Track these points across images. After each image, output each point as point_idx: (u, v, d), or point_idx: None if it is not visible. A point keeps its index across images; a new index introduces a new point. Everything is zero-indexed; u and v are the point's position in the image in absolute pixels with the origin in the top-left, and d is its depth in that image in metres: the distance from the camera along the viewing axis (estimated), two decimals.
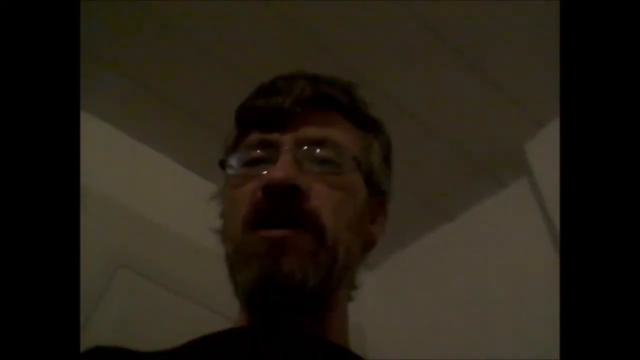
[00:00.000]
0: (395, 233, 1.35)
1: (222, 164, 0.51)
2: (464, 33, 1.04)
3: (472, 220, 1.31)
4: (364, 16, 1.02)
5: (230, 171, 0.50)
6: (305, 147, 0.48)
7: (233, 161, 0.50)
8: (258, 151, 0.49)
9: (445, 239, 1.35)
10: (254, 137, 0.50)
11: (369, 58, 1.07)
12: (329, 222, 0.45)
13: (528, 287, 1.06)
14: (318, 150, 0.48)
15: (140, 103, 1.21)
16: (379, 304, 1.35)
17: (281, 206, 0.44)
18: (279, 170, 0.45)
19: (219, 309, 0.91)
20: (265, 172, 0.46)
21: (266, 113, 0.50)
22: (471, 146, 1.22)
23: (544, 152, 1.14)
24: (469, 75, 1.10)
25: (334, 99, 0.51)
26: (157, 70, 1.15)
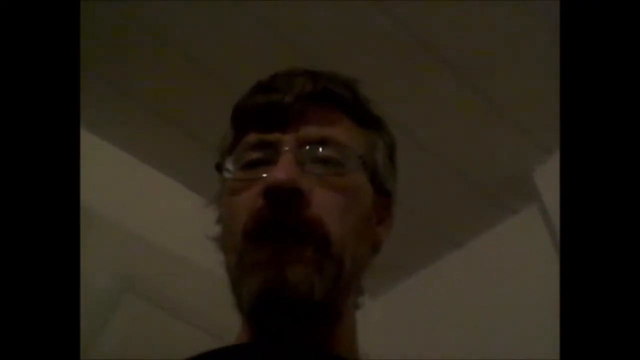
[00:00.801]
0: (403, 260, 1.33)
1: (219, 168, 0.48)
2: (472, 61, 1.05)
3: (482, 247, 1.30)
4: (370, 44, 1.03)
5: (227, 175, 0.47)
6: (307, 147, 0.45)
7: (230, 164, 0.47)
8: (257, 152, 0.46)
9: (453, 266, 1.34)
10: (252, 137, 0.47)
11: (377, 89, 1.07)
12: (334, 230, 0.42)
13: (538, 315, 1.04)
14: (320, 150, 0.46)
15: (144, 124, 1.22)
16: (385, 332, 1.33)
17: (283, 213, 0.41)
18: (280, 172, 0.42)
19: (224, 334, 0.90)
20: (265, 175, 0.43)
21: (265, 111, 0.47)
22: (480, 173, 1.21)
23: (553, 178, 1.14)
24: (477, 103, 1.10)
25: (336, 96, 0.49)
26: (156, 88, 1.16)
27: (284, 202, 0.41)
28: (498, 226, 1.28)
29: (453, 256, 1.35)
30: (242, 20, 1.03)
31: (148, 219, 1.17)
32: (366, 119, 0.51)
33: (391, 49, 1.04)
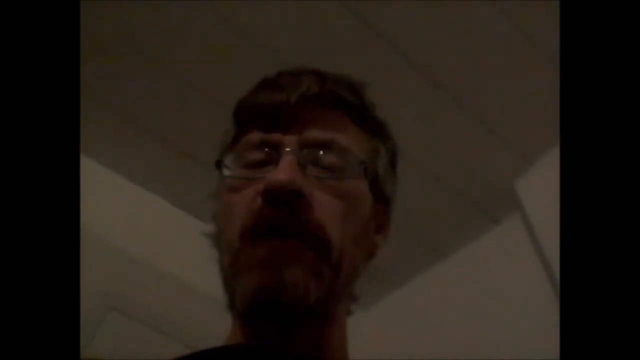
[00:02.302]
0: (390, 272, 1.34)
1: (218, 165, 0.46)
2: (453, 73, 1.07)
3: (467, 258, 1.31)
4: (354, 59, 1.05)
5: (227, 172, 0.46)
6: (310, 150, 0.44)
7: (230, 161, 0.46)
8: (258, 152, 0.45)
9: (440, 277, 1.34)
10: (254, 136, 0.46)
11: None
12: (334, 236, 0.42)
13: (524, 323, 1.05)
14: (323, 154, 0.44)
15: (131, 141, 1.21)
16: (373, 344, 1.33)
17: (283, 215, 0.40)
18: (281, 173, 0.41)
19: None
20: (265, 175, 0.42)
21: (268, 110, 0.46)
22: (463, 184, 1.23)
23: (534, 188, 1.16)
24: (460, 115, 1.12)
25: (341, 99, 0.48)
26: (150, 109, 1.16)
27: (284, 203, 0.40)
28: (482, 236, 1.29)
29: (439, 267, 1.35)
30: (243, 44, 1.04)
31: (137, 237, 1.17)
32: (370, 124, 0.51)
33: (374, 61, 1.06)
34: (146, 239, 1.18)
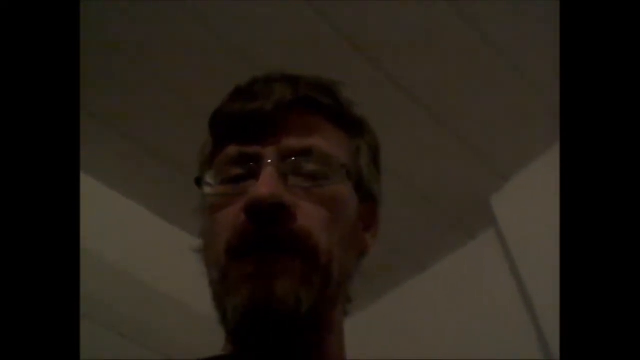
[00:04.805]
0: (367, 285, 1.34)
1: (198, 182, 0.46)
2: (430, 88, 1.09)
3: (443, 271, 1.32)
4: (336, 75, 1.06)
5: (208, 189, 0.45)
6: (289, 159, 0.44)
7: (210, 178, 0.45)
8: (238, 166, 0.45)
9: (417, 290, 1.36)
10: (232, 150, 0.45)
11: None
12: (321, 242, 0.42)
13: (498, 337, 1.07)
14: (303, 162, 0.44)
15: (120, 152, 1.20)
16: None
17: (267, 229, 0.40)
18: (263, 187, 0.40)
19: None
20: (247, 190, 0.42)
21: (244, 121, 0.45)
22: (440, 198, 1.25)
23: (509, 204, 1.18)
24: (437, 129, 1.14)
25: (316, 102, 0.47)
26: (148, 125, 1.15)
27: (268, 217, 0.40)
28: (459, 250, 1.31)
29: (416, 280, 1.37)
30: (241, 67, 1.05)
31: (113, 243, 1.15)
32: (349, 123, 0.50)
33: (356, 76, 1.07)
34: (120, 241, 1.16)
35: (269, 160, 0.43)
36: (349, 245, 0.45)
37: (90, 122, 1.11)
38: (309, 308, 0.40)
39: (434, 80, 1.08)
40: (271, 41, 1.03)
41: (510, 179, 1.20)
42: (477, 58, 1.05)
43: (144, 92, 1.09)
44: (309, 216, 0.42)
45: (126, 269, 1.13)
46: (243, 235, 0.41)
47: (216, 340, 0.46)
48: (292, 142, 0.45)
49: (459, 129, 1.14)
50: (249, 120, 0.45)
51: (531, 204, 1.12)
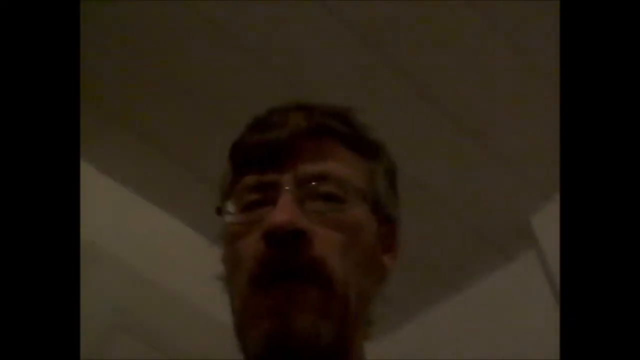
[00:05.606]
0: (401, 305, 1.32)
1: (219, 211, 0.48)
2: (471, 107, 1.08)
3: (480, 292, 1.29)
4: (362, 89, 1.06)
5: (228, 218, 0.47)
6: (306, 185, 0.45)
7: (230, 207, 0.47)
8: (256, 194, 0.46)
9: (452, 310, 1.33)
10: (250, 179, 0.47)
11: (376, 133, 1.09)
12: (337, 269, 0.42)
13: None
14: (320, 187, 0.45)
15: (152, 163, 1.23)
16: None
17: (286, 256, 0.41)
18: (280, 214, 0.42)
19: None
20: (265, 217, 0.43)
21: (261, 151, 0.47)
22: (479, 218, 1.22)
23: (550, 224, 1.14)
24: (477, 148, 1.12)
25: (331, 129, 0.49)
26: (157, 120, 1.17)
27: (286, 243, 0.41)
28: (497, 271, 1.28)
29: (451, 301, 1.33)
30: (247, 58, 1.06)
31: (148, 256, 1.16)
32: (364, 147, 0.51)
33: (389, 95, 1.07)
34: (161, 259, 1.18)
35: (287, 187, 0.44)
36: (366, 269, 0.46)
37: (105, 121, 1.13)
38: (329, 339, 0.40)
39: (473, 95, 1.06)
40: (271, 29, 1.03)
41: (551, 198, 1.16)
42: (526, 81, 1.03)
43: (148, 84, 1.11)
44: (324, 242, 0.43)
45: (162, 283, 1.14)
46: (264, 265, 0.42)
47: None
48: (308, 167, 0.46)
49: (499, 146, 1.12)
50: (266, 150, 0.47)
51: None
